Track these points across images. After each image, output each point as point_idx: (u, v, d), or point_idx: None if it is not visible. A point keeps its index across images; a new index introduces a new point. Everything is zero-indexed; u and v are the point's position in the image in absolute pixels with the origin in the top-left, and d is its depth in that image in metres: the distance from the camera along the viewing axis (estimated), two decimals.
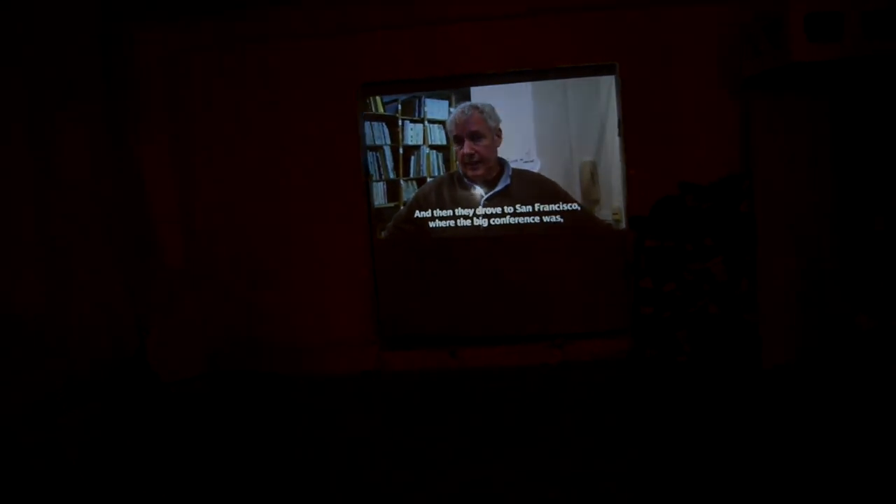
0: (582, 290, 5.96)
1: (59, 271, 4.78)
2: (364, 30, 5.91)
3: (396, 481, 4.02)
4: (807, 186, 5.33)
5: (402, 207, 6.76)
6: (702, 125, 5.65)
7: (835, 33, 4.49)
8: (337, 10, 5.83)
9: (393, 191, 7.41)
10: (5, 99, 4.49)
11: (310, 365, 6.05)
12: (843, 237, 5.29)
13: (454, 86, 6.41)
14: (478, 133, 6.18)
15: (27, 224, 4.60)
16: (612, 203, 6.25)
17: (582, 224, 6.23)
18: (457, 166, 6.47)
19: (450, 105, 6.88)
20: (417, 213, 6.44)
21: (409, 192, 7.28)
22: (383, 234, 6.41)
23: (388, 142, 7.25)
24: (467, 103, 6.42)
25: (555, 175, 6.39)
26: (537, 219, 6.20)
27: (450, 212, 6.31)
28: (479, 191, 6.23)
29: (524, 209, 6.21)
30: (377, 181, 6.73)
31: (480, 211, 6.22)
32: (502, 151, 6.34)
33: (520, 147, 6.63)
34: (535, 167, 6.58)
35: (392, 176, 7.37)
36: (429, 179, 7.05)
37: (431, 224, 6.37)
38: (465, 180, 6.29)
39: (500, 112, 6.30)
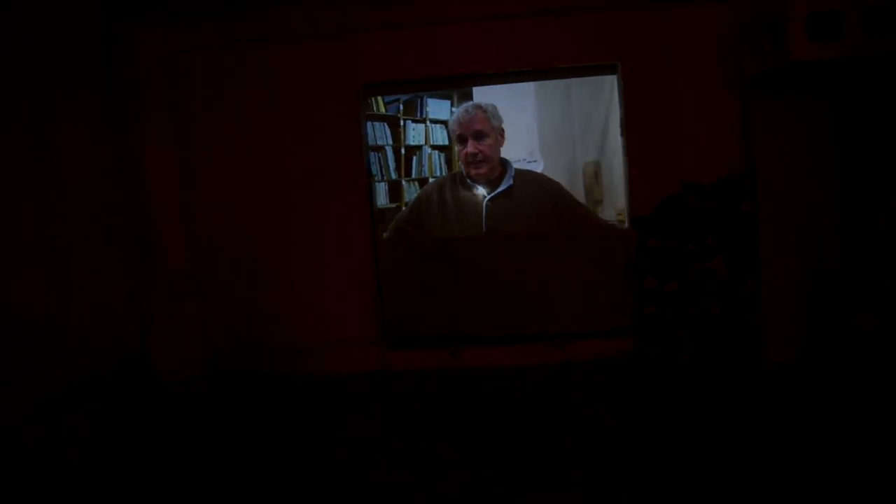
0: (584, 291, 5.94)
1: (60, 271, 4.79)
2: (365, 30, 5.89)
3: (397, 481, 4.01)
4: (809, 185, 5.32)
5: (403, 208, 6.76)
6: (704, 125, 5.63)
7: (835, 32, 4.47)
8: (337, 10, 5.82)
9: (395, 191, 7.44)
10: (5, 99, 4.49)
11: (312, 365, 6.04)
12: (845, 236, 5.28)
13: (455, 86, 6.41)
14: (482, 132, 6.15)
15: (28, 224, 4.61)
16: (616, 203, 6.24)
17: (585, 224, 6.23)
18: (459, 166, 6.46)
19: (452, 105, 6.90)
20: (419, 214, 6.42)
21: (410, 192, 7.30)
22: (385, 234, 6.41)
23: (390, 142, 7.28)
24: (471, 102, 6.42)
25: (558, 175, 6.39)
26: (540, 219, 6.18)
27: (452, 212, 6.30)
28: (481, 191, 6.22)
29: (527, 209, 6.19)
30: (379, 182, 6.74)
31: (482, 211, 6.21)
32: (505, 151, 6.33)
33: (523, 147, 6.65)
34: (538, 167, 6.60)
35: (394, 176, 7.40)
36: (431, 180, 7.07)
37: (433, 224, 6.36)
38: (468, 180, 6.28)
39: (502, 112, 6.29)
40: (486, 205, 6.18)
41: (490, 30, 5.85)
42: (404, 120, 7.49)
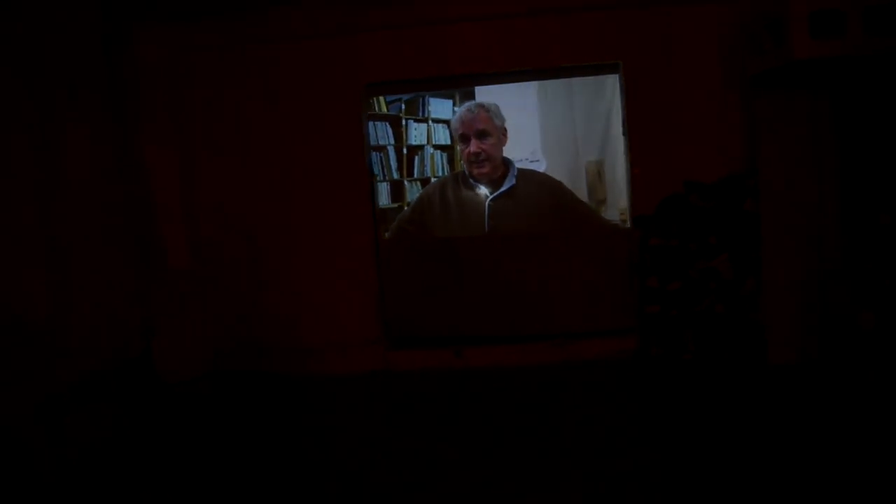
0: (586, 290, 5.93)
1: (61, 271, 4.78)
2: (366, 30, 5.89)
3: (398, 481, 4.01)
4: (811, 184, 5.31)
5: (405, 208, 6.76)
6: (706, 124, 5.62)
7: (837, 30, 4.47)
8: (338, 10, 5.81)
9: (397, 191, 7.42)
10: (6, 99, 4.48)
11: (313, 365, 6.04)
12: (847, 234, 5.27)
13: (457, 85, 6.41)
14: (484, 131, 6.14)
15: (29, 224, 4.60)
16: (620, 202, 6.23)
17: (587, 223, 6.22)
18: (461, 166, 6.45)
19: (454, 104, 6.89)
20: (421, 213, 6.41)
21: (412, 192, 7.29)
22: (387, 234, 6.40)
23: (392, 142, 7.27)
24: (473, 102, 6.41)
25: (561, 175, 6.38)
26: (542, 218, 6.17)
27: (454, 212, 6.29)
28: (483, 191, 6.21)
29: (529, 209, 6.18)
30: (381, 181, 6.73)
31: (485, 210, 6.20)
32: (508, 151, 6.32)
33: (525, 146, 6.64)
34: (540, 167, 6.59)
35: (396, 176, 7.39)
36: (433, 179, 7.05)
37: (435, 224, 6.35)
38: (471, 180, 6.27)
39: (505, 111, 6.29)
40: (489, 204, 6.17)
41: (491, 29, 5.85)
42: (406, 119, 7.47)
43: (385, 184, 7.06)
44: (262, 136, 6.06)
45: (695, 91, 5.64)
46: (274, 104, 6.04)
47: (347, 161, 6.06)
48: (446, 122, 7.00)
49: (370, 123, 6.45)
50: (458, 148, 6.48)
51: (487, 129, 6.15)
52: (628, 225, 5.93)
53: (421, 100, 7.40)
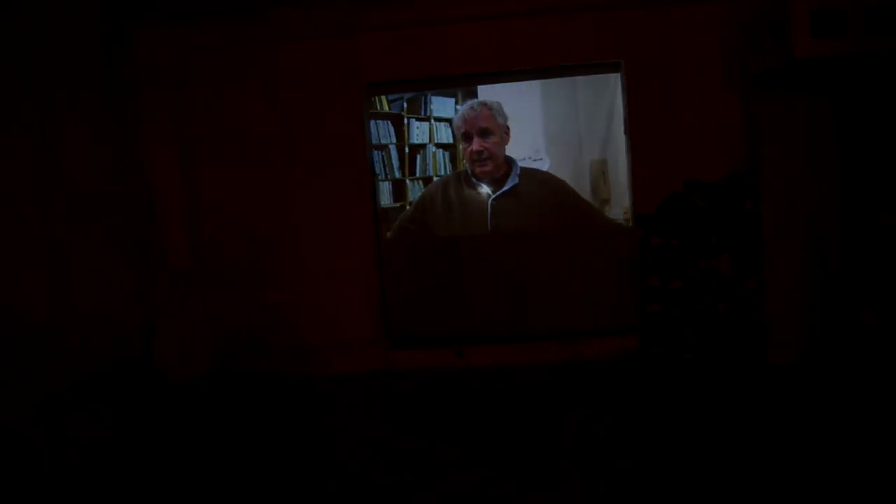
0: (588, 289, 5.93)
1: (61, 271, 4.78)
2: (366, 30, 5.89)
3: (398, 481, 4.01)
4: (812, 183, 5.32)
5: (407, 207, 6.73)
6: (707, 123, 5.61)
7: (838, 29, 4.46)
8: (338, 10, 5.81)
9: (399, 190, 7.38)
10: (7, 99, 4.49)
11: (314, 365, 6.04)
12: (848, 234, 5.26)
13: (459, 85, 6.38)
14: (487, 130, 6.14)
15: (30, 224, 4.60)
16: (623, 202, 6.20)
17: (590, 222, 6.20)
18: (464, 164, 6.44)
19: (456, 103, 6.84)
20: (423, 213, 6.40)
21: (414, 191, 7.25)
22: (389, 234, 6.39)
23: (394, 140, 7.22)
24: (476, 100, 6.39)
25: (564, 174, 6.35)
26: (545, 217, 6.15)
27: (456, 211, 6.27)
28: (486, 190, 6.20)
29: (532, 208, 6.17)
30: (382, 181, 6.70)
31: (487, 209, 6.18)
32: (510, 150, 6.30)
33: (528, 145, 6.59)
34: (543, 166, 6.54)
35: (398, 175, 7.34)
36: (435, 178, 7.02)
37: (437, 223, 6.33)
38: (473, 179, 6.26)
39: (508, 110, 6.27)
40: (491, 203, 6.16)
41: (493, 28, 5.84)
42: (408, 118, 7.43)
43: (387, 183, 7.01)
44: (263, 136, 6.06)
45: (697, 90, 5.63)
46: (274, 104, 6.04)
47: (348, 161, 6.07)
48: (448, 120, 6.96)
49: (372, 122, 6.44)
50: (461, 146, 6.47)
51: (490, 127, 6.14)
52: (631, 224, 5.91)
53: (423, 98, 7.35)
